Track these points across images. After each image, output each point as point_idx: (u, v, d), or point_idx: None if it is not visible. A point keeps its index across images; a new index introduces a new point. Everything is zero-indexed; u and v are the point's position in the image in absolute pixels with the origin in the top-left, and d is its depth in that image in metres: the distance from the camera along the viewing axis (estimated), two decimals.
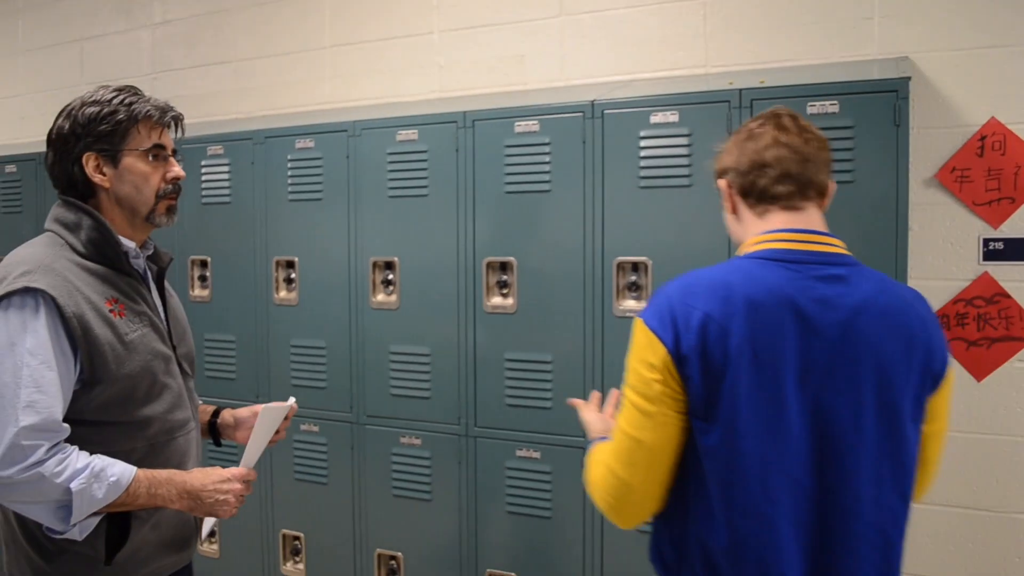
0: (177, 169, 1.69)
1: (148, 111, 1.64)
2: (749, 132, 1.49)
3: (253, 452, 1.74)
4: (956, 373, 2.51)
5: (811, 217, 1.45)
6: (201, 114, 3.76)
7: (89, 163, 1.60)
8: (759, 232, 1.45)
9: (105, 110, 1.60)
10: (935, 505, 2.55)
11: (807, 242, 1.41)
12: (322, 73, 3.51)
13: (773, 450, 1.31)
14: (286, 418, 1.83)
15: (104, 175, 1.61)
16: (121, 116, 1.61)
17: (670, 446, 1.35)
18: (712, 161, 1.58)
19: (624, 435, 1.38)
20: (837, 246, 1.42)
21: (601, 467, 1.44)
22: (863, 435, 1.32)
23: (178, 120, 1.71)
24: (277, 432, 1.81)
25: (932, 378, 1.38)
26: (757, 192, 1.46)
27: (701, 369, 1.30)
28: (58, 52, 4.23)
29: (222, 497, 1.61)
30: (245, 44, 3.69)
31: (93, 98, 1.63)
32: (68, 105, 1.65)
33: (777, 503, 1.31)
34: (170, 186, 1.67)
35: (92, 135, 1.60)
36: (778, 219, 1.44)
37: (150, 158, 1.64)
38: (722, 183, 1.53)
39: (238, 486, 1.64)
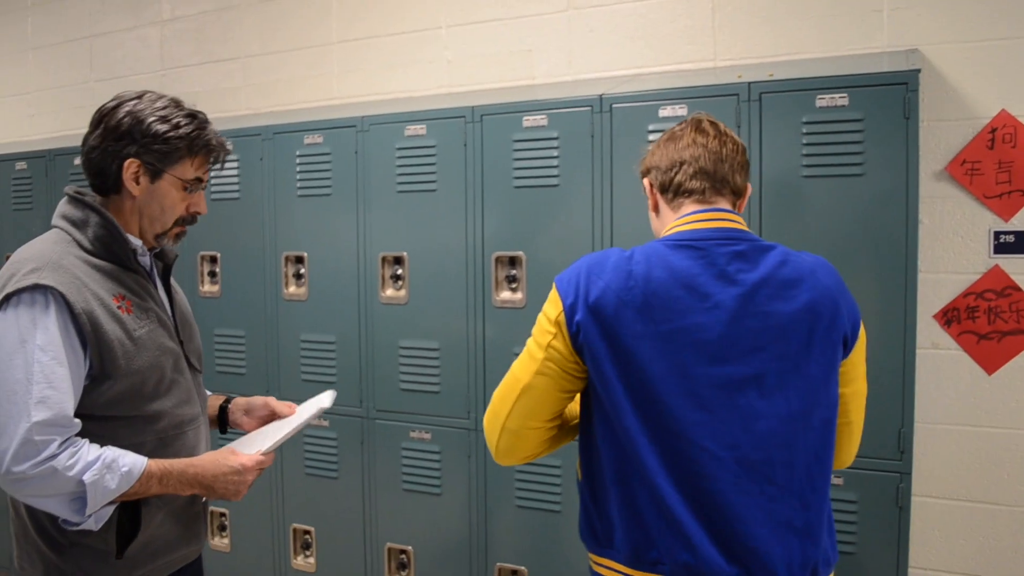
0: (202, 205, 1.72)
1: (207, 146, 1.66)
2: (671, 134, 1.62)
3: (279, 438, 1.74)
4: (967, 367, 2.51)
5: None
6: (210, 111, 3.69)
7: (130, 169, 1.60)
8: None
9: (171, 133, 1.60)
10: (945, 499, 2.54)
11: (712, 220, 1.51)
12: (330, 68, 3.51)
13: (685, 415, 1.41)
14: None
15: (138, 184, 1.62)
16: (181, 145, 1.62)
17: (545, 392, 1.52)
18: (637, 163, 1.70)
19: (510, 374, 1.56)
20: (739, 223, 1.53)
21: (490, 405, 1.61)
22: (772, 400, 1.41)
23: (225, 158, 1.74)
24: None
25: (841, 342, 1.45)
26: (674, 187, 1.58)
27: (598, 333, 1.44)
28: (67, 49, 4.24)
29: (233, 488, 1.63)
30: (253, 40, 3.70)
31: (165, 115, 1.61)
32: (136, 100, 1.62)
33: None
34: (189, 216, 1.70)
35: (147, 148, 1.60)
36: (690, 209, 1.56)
37: (186, 189, 1.66)
38: (646, 182, 1.65)
39: (250, 478, 1.65)
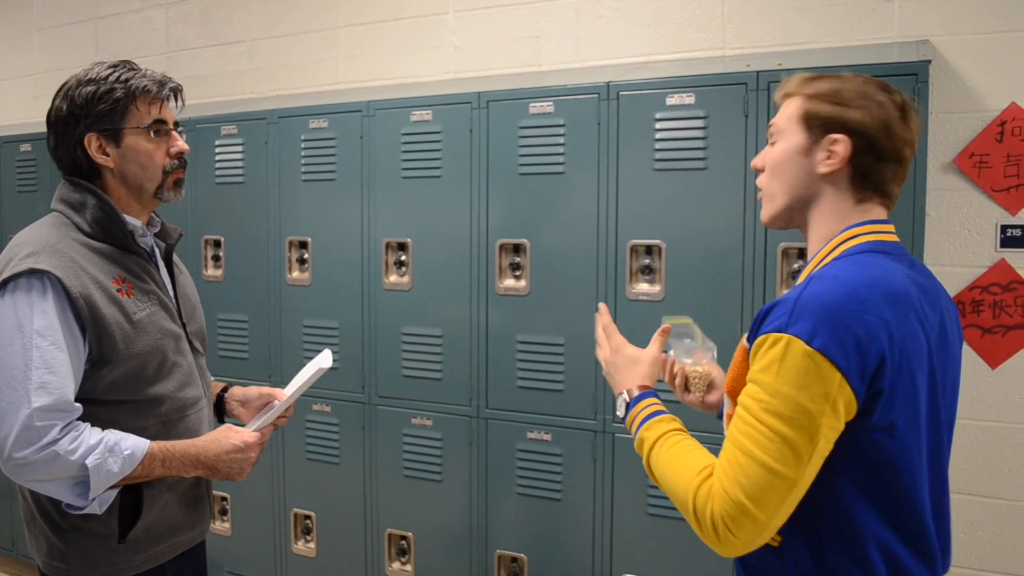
0: (180, 143, 1.66)
1: (145, 86, 1.61)
2: (902, 107, 1.30)
3: (280, 407, 1.76)
4: (971, 361, 2.50)
5: None
6: (215, 94, 3.76)
7: (91, 144, 1.59)
8: (856, 223, 1.31)
9: (102, 88, 1.58)
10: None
11: (886, 232, 1.33)
12: (336, 53, 3.50)
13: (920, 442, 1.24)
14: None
15: (107, 155, 1.60)
16: (119, 94, 1.58)
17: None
18: (824, 103, 1.32)
19: (760, 466, 1.16)
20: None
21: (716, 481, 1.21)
22: (952, 414, 1.34)
23: (177, 92, 1.68)
24: (280, 417, 1.79)
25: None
26: (876, 180, 1.30)
27: (886, 378, 1.17)
28: (73, 30, 4.23)
29: (237, 466, 1.63)
30: (259, 23, 3.68)
31: (88, 76, 1.60)
32: (64, 84, 1.62)
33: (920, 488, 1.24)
34: (176, 161, 1.65)
35: (91, 116, 1.57)
36: (880, 215, 1.34)
37: (152, 134, 1.62)
38: (843, 144, 1.28)
39: (253, 455, 1.65)
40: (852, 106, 1.30)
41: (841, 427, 1.17)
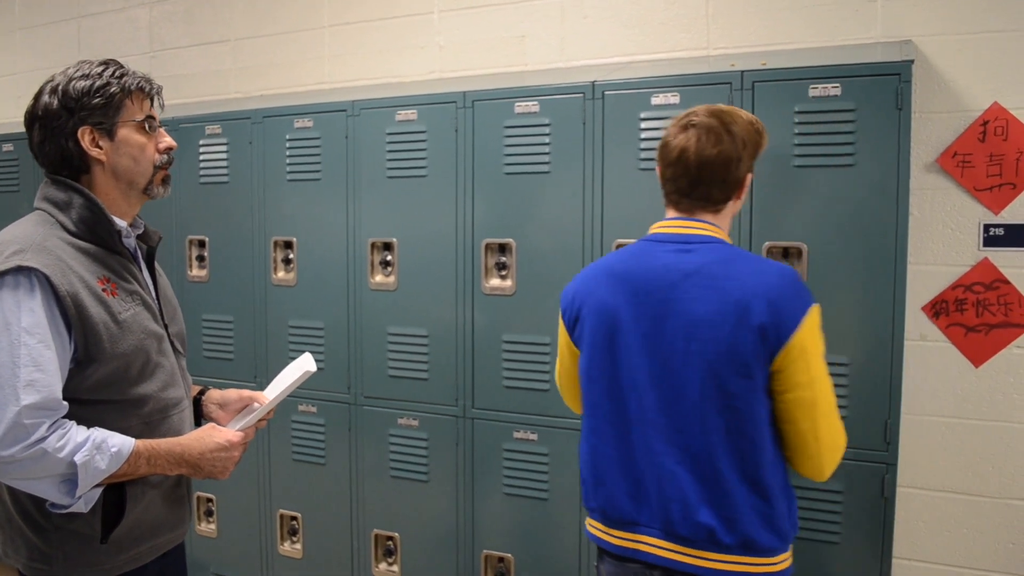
0: (169, 139, 1.69)
1: (139, 83, 1.64)
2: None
3: (262, 410, 1.76)
4: (954, 359, 2.51)
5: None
6: (199, 93, 3.74)
7: (85, 137, 1.59)
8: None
9: (97, 83, 1.60)
10: (930, 490, 2.55)
11: (675, 227, 1.73)
12: (321, 52, 3.48)
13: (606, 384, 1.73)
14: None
15: (101, 148, 1.61)
16: (114, 88, 1.60)
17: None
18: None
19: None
20: (702, 229, 1.70)
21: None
22: (688, 377, 1.62)
23: (160, 92, 1.72)
24: (261, 420, 1.79)
25: (757, 340, 1.57)
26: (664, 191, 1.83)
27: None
28: (55, 30, 4.20)
29: (220, 465, 1.63)
30: (243, 23, 3.66)
31: (80, 72, 1.61)
32: (50, 82, 1.63)
33: (603, 433, 1.74)
34: (165, 156, 1.68)
35: (86, 109, 1.59)
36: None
37: (145, 128, 1.64)
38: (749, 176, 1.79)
39: (237, 454, 1.65)
40: None
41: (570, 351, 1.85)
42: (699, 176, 1.68)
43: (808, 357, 1.59)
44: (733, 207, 1.76)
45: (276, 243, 3.06)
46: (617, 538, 1.73)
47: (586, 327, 1.76)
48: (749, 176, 1.75)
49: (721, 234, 1.71)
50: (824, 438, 1.62)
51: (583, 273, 1.83)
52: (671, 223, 1.74)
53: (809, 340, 1.59)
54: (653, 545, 1.67)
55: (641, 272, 1.69)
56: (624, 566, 1.72)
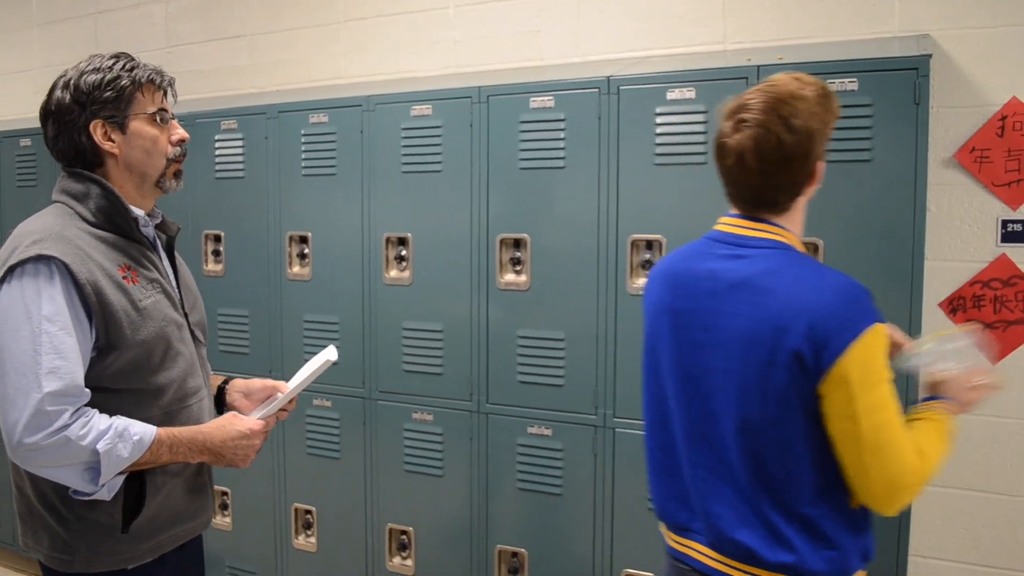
0: (181, 131, 1.70)
1: (150, 75, 1.65)
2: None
3: (284, 397, 1.77)
4: None
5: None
6: (215, 89, 3.76)
7: (97, 131, 1.60)
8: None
9: (108, 76, 1.61)
10: (946, 487, 2.54)
11: (735, 225, 1.57)
12: (336, 48, 3.49)
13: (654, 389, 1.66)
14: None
15: (113, 142, 1.62)
16: (125, 82, 1.61)
17: None
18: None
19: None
20: (762, 232, 1.54)
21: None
22: (722, 399, 1.50)
23: (172, 84, 1.73)
24: (282, 410, 1.80)
25: (795, 366, 1.41)
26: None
27: None
28: (72, 25, 4.23)
29: (242, 453, 1.64)
30: (259, 18, 3.67)
31: (91, 66, 1.63)
32: (63, 76, 1.64)
33: (655, 437, 1.66)
34: (178, 148, 1.68)
35: (97, 103, 1.60)
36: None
37: (157, 120, 1.65)
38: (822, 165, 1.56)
39: (258, 442, 1.66)
40: None
41: None
42: (762, 184, 1.50)
43: (851, 388, 1.39)
44: (804, 200, 1.57)
45: (291, 238, 3.07)
46: (674, 541, 1.65)
47: (644, 324, 1.69)
48: (820, 165, 1.53)
49: (784, 236, 1.53)
50: (874, 475, 1.42)
51: (659, 264, 1.72)
52: (731, 221, 1.58)
53: (855, 370, 1.39)
54: (702, 553, 1.58)
55: (688, 277, 1.57)
56: (679, 568, 1.64)
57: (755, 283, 1.47)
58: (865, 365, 1.40)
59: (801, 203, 1.56)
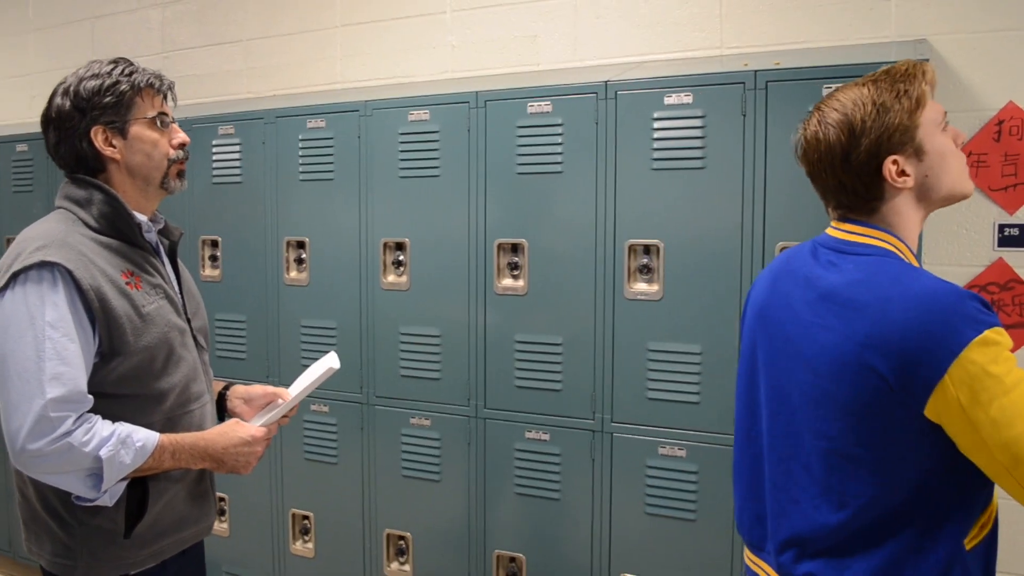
0: (182, 134, 1.71)
1: (149, 79, 1.66)
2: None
3: (286, 405, 1.77)
4: None
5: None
6: (211, 94, 3.76)
7: (98, 137, 1.61)
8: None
9: (107, 82, 1.61)
10: None
11: (837, 229, 1.43)
12: (333, 52, 3.49)
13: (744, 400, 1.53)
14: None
15: (114, 147, 1.62)
16: (124, 87, 1.62)
17: None
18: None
19: None
20: (860, 236, 1.38)
21: None
22: (805, 419, 1.37)
23: (172, 88, 1.73)
24: (283, 417, 1.80)
25: (885, 390, 1.24)
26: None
27: None
28: (69, 31, 4.22)
29: (243, 460, 1.64)
30: (255, 23, 3.68)
31: (90, 72, 1.63)
32: (62, 83, 1.65)
33: (742, 447, 1.54)
34: (180, 151, 1.70)
35: (97, 108, 1.60)
36: None
37: (157, 124, 1.66)
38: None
39: (259, 449, 1.66)
40: None
41: None
42: (824, 188, 1.42)
43: (969, 413, 1.18)
44: (902, 202, 1.37)
45: (288, 243, 3.07)
46: (749, 559, 1.55)
47: (744, 328, 1.56)
48: (891, 160, 1.34)
49: (885, 239, 1.36)
50: None
51: (771, 264, 1.56)
52: (836, 224, 1.43)
53: (966, 394, 1.18)
54: (769, 575, 1.49)
55: (786, 282, 1.44)
56: None
57: (844, 294, 1.31)
58: (973, 384, 1.18)
59: (896, 206, 1.36)
